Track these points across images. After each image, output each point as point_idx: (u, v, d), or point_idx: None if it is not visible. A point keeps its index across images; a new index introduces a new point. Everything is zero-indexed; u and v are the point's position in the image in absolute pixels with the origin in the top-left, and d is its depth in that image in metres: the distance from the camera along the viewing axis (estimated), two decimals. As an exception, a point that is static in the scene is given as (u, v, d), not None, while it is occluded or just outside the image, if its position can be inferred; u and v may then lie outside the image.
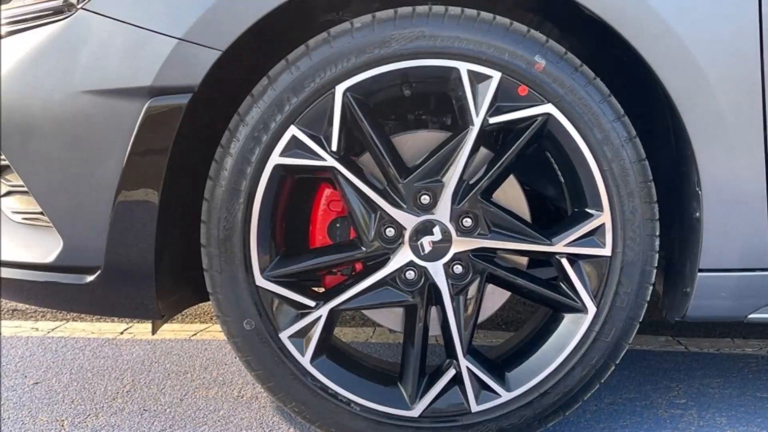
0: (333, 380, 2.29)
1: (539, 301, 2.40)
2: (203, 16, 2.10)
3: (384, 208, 2.22)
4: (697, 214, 2.21)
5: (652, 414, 2.66)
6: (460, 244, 2.24)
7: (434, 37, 2.12)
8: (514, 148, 2.19)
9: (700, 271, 2.24)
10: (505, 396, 2.29)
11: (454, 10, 2.13)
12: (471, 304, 2.30)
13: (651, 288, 2.25)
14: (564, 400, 2.31)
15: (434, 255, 2.24)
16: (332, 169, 2.19)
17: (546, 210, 2.63)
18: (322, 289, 2.40)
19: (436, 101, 2.57)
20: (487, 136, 2.22)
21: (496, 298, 2.44)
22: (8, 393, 2.85)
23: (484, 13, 2.14)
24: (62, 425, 2.61)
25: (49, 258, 2.30)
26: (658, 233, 2.22)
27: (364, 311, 2.46)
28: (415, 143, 2.32)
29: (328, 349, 2.34)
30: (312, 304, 2.26)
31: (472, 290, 2.29)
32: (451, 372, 2.30)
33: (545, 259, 2.32)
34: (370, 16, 2.14)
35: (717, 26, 2.13)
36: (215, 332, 3.54)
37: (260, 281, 2.23)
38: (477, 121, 2.15)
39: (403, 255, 2.25)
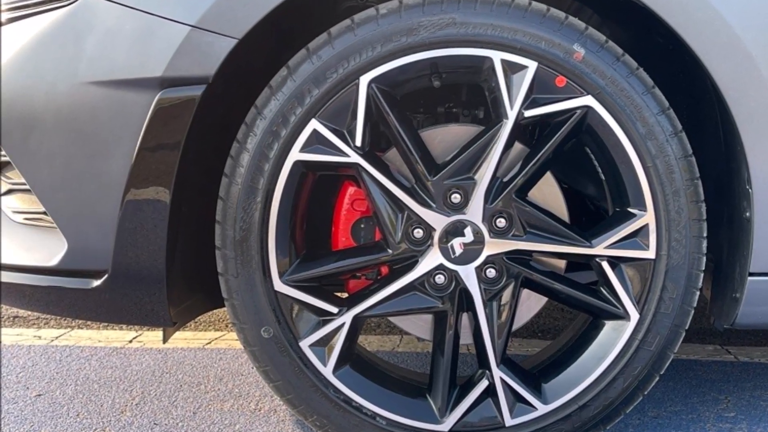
0: (357, 392, 2.29)
1: (578, 307, 2.38)
2: (218, 1, 2.10)
3: (412, 207, 2.21)
4: (748, 214, 2.20)
5: (699, 428, 2.64)
6: (494, 246, 2.23)
7: (466, 24, 2.10)
8: (551, 143, 2.19)
9: (751, 275, 2.23)
10: (542, 409, 2.28)
11: (487, -5, 2.12)
12: (505, 310, 2.29)
13: (698, 293, 2.24)
14: (605, 413, 2.30)
15: (466, 258, 2.23)
16: (356, 165, 2.18)
17: (586, 210, 2.62)
18: (345, 295, 2.40)
19: (467, 93, 2.56)
20: (522, 130, 2.22)
21: (531, 304, 2.45)
22: (9, 406, 2.86)
23: (519, -2, 2.13)
24: (67, 439, 2.62)
25: (53, 261, 2.30)
26: (705, 234, 2.20)
27: (390, 318, 2.45)
28: (445, 138, 2.32)
29: (352, 358, 2.34)
30: (334, 310, 2.26)
31: (506, 295, 2.28)
32: (484, 383, 2.29)
33: (585, 262, 2.31)
34: (396, 1, 2.13)
35: (770, 11, 2.12)
36: (231, 340, 3.55)
37: (279, 286, 2.23)
38: (511, 115, 2.14)
39: (433, 258, 2.24)
